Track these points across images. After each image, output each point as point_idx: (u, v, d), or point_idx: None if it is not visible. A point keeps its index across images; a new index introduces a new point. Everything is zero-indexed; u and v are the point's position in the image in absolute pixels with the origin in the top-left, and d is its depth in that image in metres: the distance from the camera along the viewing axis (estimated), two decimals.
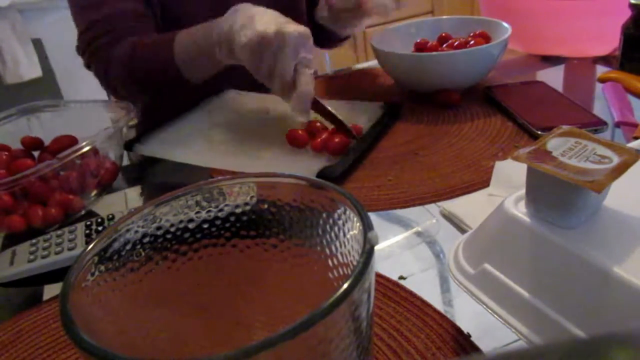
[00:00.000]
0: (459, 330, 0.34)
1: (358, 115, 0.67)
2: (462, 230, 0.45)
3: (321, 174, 0.54)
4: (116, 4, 0.75)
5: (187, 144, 0.66)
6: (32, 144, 0.62)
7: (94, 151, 0.56)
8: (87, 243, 0.32)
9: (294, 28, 0.59)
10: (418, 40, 0.80)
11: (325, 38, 0.93)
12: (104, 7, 0.75)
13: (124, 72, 0.74)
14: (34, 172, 0.49)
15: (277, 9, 0.65)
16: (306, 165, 0.57)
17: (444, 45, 0.76)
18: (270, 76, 0.61)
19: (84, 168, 0.55)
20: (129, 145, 0.68)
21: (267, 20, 0.60)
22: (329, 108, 0.63)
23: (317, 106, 0.63)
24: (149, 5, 0.79)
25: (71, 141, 0.61)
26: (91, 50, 0.76)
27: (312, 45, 0.61)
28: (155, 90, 0.78)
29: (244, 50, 0.60)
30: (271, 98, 0.77)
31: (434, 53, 0.70)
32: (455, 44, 0.75)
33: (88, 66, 0.80)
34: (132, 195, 0.63)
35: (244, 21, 0.61)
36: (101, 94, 0.95)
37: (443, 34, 0.80)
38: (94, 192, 0.58)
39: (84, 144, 0.52)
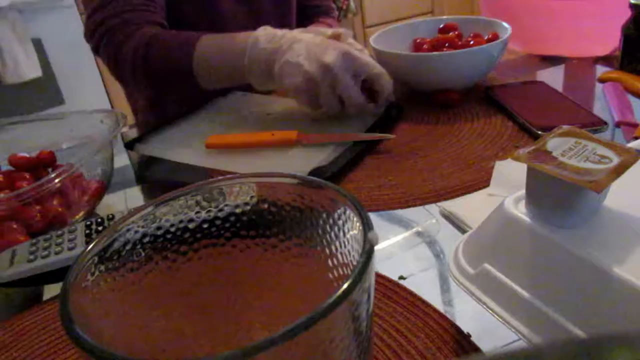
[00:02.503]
0: (459, 330, 0.34)
1: (360, 116, 0.67)
2: (462, 230, 0.45)
3: (312, 174, 0.54)
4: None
5: (187, 144, 0.67)
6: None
7: (77, 175, 0.53)
8: (87, 243, 0.32)
9: (334, 55, 0.58)
10: (418, 41, 0.80)
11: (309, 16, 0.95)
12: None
13: (137, 62, 0.71)
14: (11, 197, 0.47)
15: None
16: (299, 165, 0.57)
17: (446, 45, 0.76)
18: (334, 101, 0.60)
19: (66, 196, 0.52)
20: (130, 145, 0.68)
21: (303, 57, 0.58)
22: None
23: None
24: None
25: (50, 157, 0.59)
26: (102, 31, 0.73)
27: (354, 53, 0.60)
28: (165, 87, 0.76)
29: (294, 94, 0.61)
30: (275, 99, 0.78)
31: (434, 53, 0.70)
32: (454, 44, 0.75)
33: (96, 50, 0.76)
34: (132, 195, 0.63)
35: (284, 65, 0.59)
36: (101, 93, 0.95)
37: (442, 26, 0.80)
38: (80, 214, 0.55)
39: (62, 170, 0.49)
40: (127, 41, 0.71)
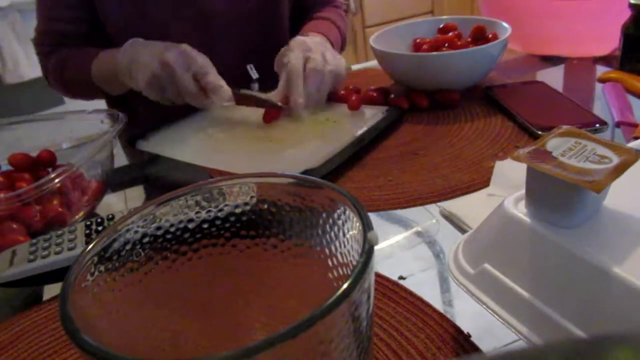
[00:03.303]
0: (459, 330, 0.34)
1: (361, 119, 0.67)
2: (462, 230, 0.45)
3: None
4: (57, 25, 0.82)
5: (188, 143, 0.67)
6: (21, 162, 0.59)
7: (77, 175, 0.54)
8: (87, 243, 0.32)
9: (172, 51, 0.65)
10: (418, 41, 0.80)
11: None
12: (52, 23, 0.82)
13: (55, 81, 0.84)
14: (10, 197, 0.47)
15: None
16: (292, 166, 0.57)
17: (445, 45, 0.76)
18: (180, 97, 0.67)
19: (66, 196, 0.52)
20: (132, 141, 0.69)
21: (148, 59, 0.66)
22: (249, 92, 0.71)
23: (240, 98, 0.70)
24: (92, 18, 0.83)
25: (50, 157, 0.59)
26: (37, 54, 0.86)
27: (197, 54, 0.67)
28: (80, 95, 0.88)
29: (149, 93, 0.68)
30: (274, 95, 0.78)
31: (434, 53, 0.70)
32: (454, 44, 0.75)
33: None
34: (132, 195, 0.63)
35: (128, 71, 0.69)
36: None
37: (442, 27, 0.80)
38: (80, 214, 0.55)
39: (62, 170, 0.49)
40: (47, 62, 0.84)
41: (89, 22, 0.82)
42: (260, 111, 0.73)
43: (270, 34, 0.89)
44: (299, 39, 0.74)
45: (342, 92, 0.74)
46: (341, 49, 0.93)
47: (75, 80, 0.82)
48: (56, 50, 0.82)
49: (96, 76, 0.77)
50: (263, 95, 0.71)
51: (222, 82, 0.67)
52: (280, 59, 0.73)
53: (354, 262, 0.25)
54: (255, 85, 0.86)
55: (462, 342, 0.33)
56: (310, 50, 0.71)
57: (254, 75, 0.85)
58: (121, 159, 0.73)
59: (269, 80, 0.81)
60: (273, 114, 0.70)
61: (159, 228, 0.27)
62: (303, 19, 0.93)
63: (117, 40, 0.75)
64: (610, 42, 0.79)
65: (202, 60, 0.67)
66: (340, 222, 0.26)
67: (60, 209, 0.51)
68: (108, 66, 0.74)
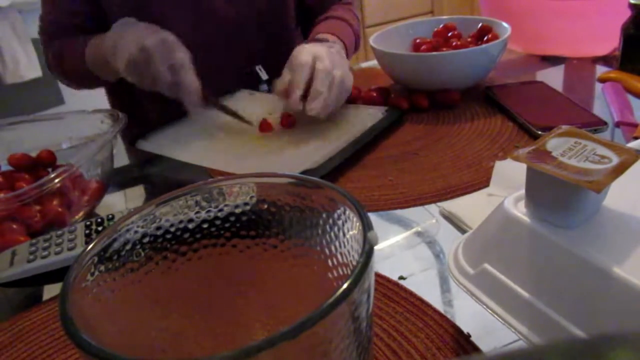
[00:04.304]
0: (459, 330, 0.34)
1: (362, 120, 0.67)
2: (462, 230, 0.45)
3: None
4: (64, 17, 0.82)
5: (188, 143, 0.67)
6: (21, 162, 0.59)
7: (77, 175, 0.53)
8: (87, 243, 0.32)
9: (154, 38, 0.64)
10: (418, 41, 0.80)
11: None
12: (55, 15, 0.83)
13: (57, 71, 0.86)
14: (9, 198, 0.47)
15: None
16: (295, 165, 0.57)
17: (446, 45, 0.76)
18: (155, 84, 0.66)
19: (66, 196, 0.52)
20: (133, 140, 0.69)
21: (130, 41, 0.65)
22: (228, 105, 0.72)
23: (220, 107, 0.71)
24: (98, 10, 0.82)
25: (50, 157, 0.59)
26: (42, 47, 0.87)
27: (179, 47, 0.66)
28: (82, 85, 0.88)
29: (127, 75, 0.67)
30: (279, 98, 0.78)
31: (434, 53, 0.70)
32: (454, 44, 0.75)
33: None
34: (132, 195, 0.63)
35: (113, 50, 0.67)
36: (101, 93, 0.96)
37: (441, 27, 0.80)
38: (80, 214, 0.55)
39: (62, 170, 0.49)
40: (48, 52, 0.85)
41: (94, 17, 0.82)
42: (258, 111, 0.74)
43: (276, 34, 0.88)
44: (309, 46, 0.70)
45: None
46: (356, 48, 0.91)
47: (73, 68, 0.81)
48: (57, 40, 0.83)
49: (89, 61, 0.77)
50: (242, 113, 0.71)
51: (195, 84, 0.66)
52: (290, 60, 0.70)
53: (354, 262, 0.25)
54: (265, 86, 0.85)
55: (462, 342, 0.33)
56: (320, 56, 0.66)
57: (264, 76, 0.84)
58: (121, 159, 0.73)
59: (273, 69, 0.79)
60: (266, 126, 0.69)
61: (159, 228, 0.27)
62: (312, 18, 0.91)
63: None
64: (610, 42, 0.79)
65: (181, 55, 0.66)
66: (340, 222, 0.26)
67: (60, 209, 0.51)
68: (97, 49, 0.74)
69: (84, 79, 0.85)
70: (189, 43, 0.68)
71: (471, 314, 0.36)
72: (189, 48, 0.68)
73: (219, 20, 0.83)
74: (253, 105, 0.77)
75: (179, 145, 0.67)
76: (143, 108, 0.88)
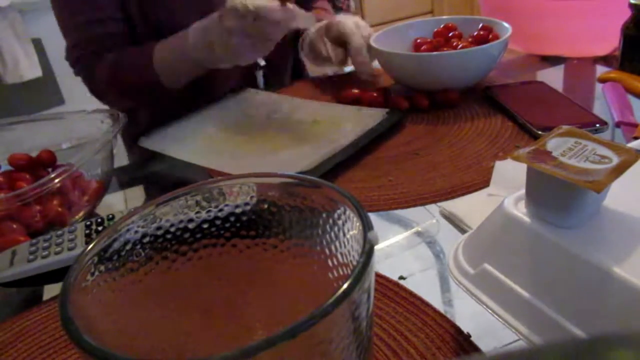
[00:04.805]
0: (459, 330, 0.34)
1: (362, 121, 0.67)
2: (462, 230, 0.45)
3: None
4: (95, 28, 0.79)
5: (188, 142, 0.67)
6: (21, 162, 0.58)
7: (77, 175, 0.53)
8: (87, 243, 0.32)
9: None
10: (418, 41, 0.80)
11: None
12: (85, 30, 0.79)
13: (110, 82, 0.79)
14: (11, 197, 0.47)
15: None
16: (294, 166, 0.57)
17: (446, 45, 0.76)
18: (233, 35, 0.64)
19: (66, 196, 0.52)
20: (134, 139, 0.70)
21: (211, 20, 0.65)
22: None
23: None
24: (129, 19, 0.81)
25: (50, 157, 0.59)
26: (78, 69, 0.83)
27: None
28: (137, 98, 0.84)
29: (229, 19, 0.63)
30: (283, 98, 0.78)
31: (434, 53, 0.70)
32: (454, 44, 0.75)
33: (75, 72, 0.85)
34: (132, 195, 0.63)
35: (205, 36, 0.67)
36: None
37: (441, 27, 0.80)
38: (80, 214, 0.55)
39: (62, 170, 0.49)
40: (97, 66, 0.79)
41: (124, 21, 0.80)
42: (261, 111, 0.73)
43: None
44: (343, 17, 0.81)
45: (343, 92, 0.74)
46: None
47: (135, 75, 0.78)
48: (101, 56, 0.79)
49: (160, 65, 0.75)
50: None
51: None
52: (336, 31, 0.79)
53: (354, 262, 0.25)
54: (260, 73, 0.86)
55: (462, 342, 0.33)
56: (359, 24, 0.79)
57: (261, 62, 0.84)
58: (121, 159, 0.73)
59: (273, 68, 0.82)
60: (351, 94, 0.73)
61: (159, 228, 0.27)
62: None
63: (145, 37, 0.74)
64: (610, 42, 0.79)
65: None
66: (340, 222, 0.26)
67: (60, 209, 0.51)
68: (175, 48, 0.73)
69: (143, 89, 0.80)
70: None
71: (471, 314, 0.36)
72: None
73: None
74: (256, 106, 0.77)
75: (181, 144, 0.67)
76: (143, 108, 0.88)
